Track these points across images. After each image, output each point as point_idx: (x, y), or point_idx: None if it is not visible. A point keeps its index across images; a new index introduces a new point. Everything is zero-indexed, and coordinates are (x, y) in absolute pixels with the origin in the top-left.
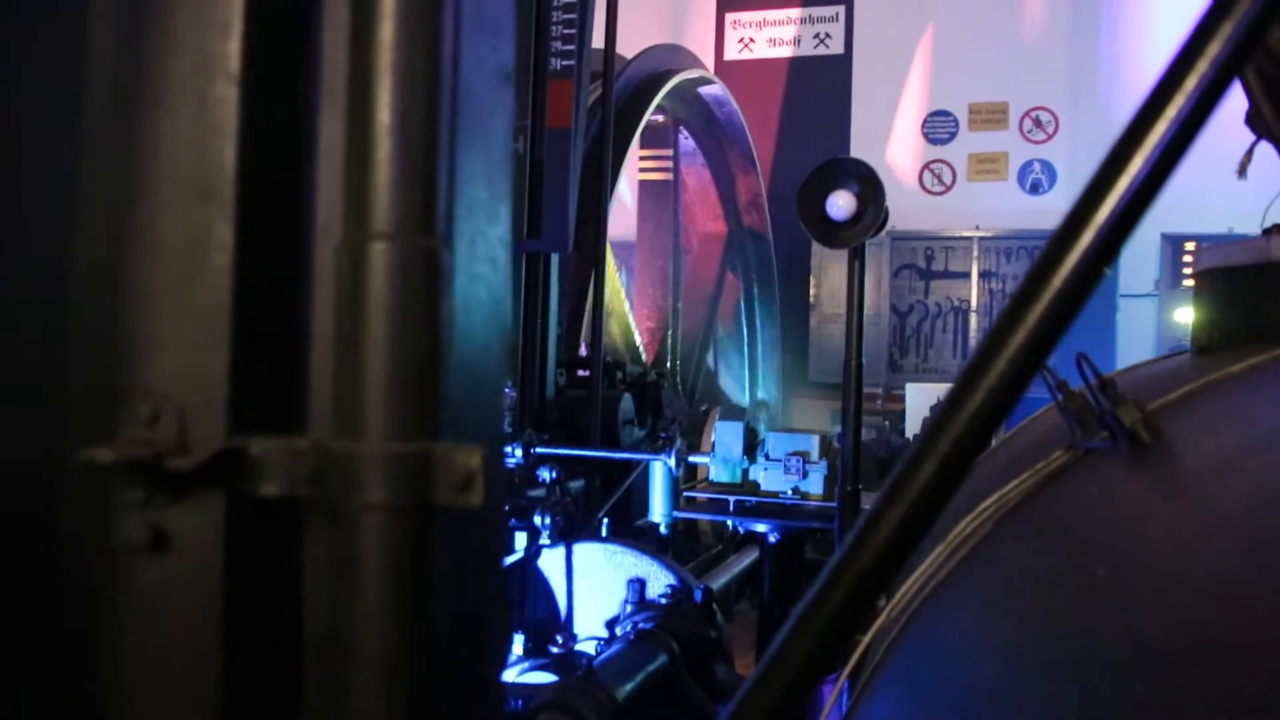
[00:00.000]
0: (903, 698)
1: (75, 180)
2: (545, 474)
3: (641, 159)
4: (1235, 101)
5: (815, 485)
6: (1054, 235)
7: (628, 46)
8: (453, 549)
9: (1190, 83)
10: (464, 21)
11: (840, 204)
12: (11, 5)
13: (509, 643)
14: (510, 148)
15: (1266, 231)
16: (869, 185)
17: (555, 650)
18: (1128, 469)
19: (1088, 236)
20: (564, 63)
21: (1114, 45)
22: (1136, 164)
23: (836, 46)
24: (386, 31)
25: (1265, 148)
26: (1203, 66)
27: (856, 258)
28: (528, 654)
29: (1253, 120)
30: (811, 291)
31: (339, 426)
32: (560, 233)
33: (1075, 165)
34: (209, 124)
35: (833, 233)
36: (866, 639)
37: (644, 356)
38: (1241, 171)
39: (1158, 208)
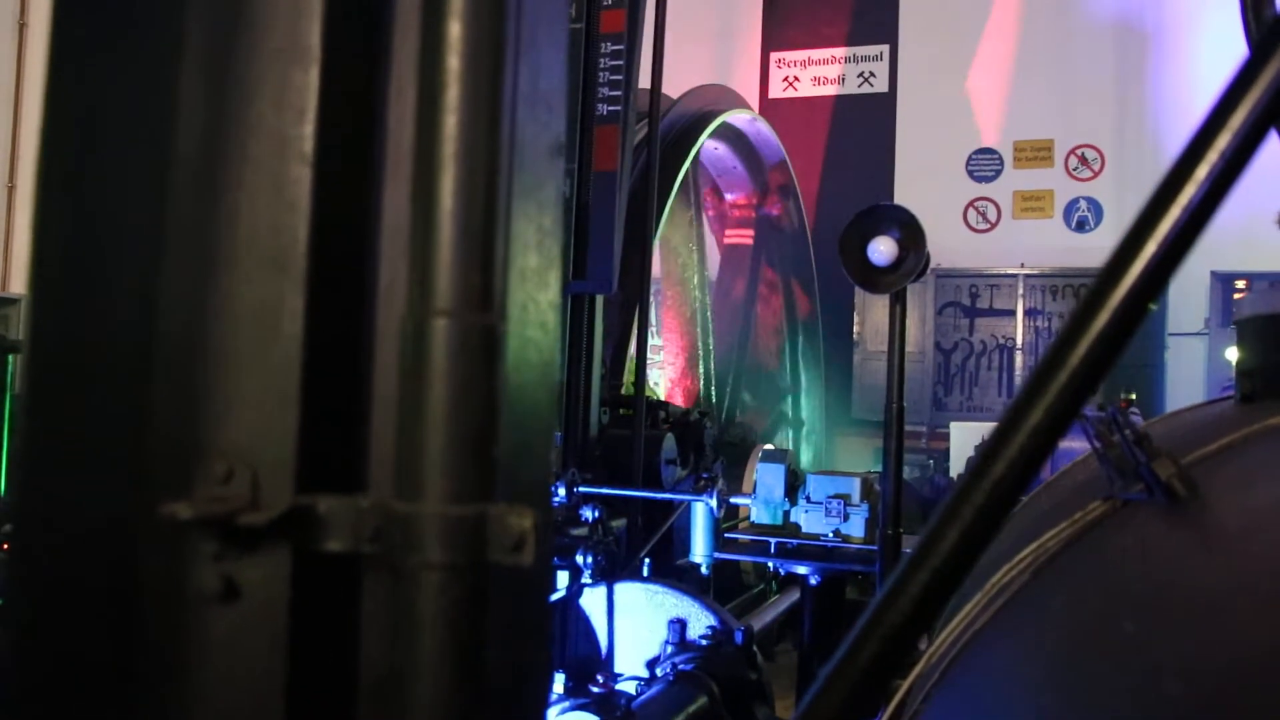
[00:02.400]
0: None
1: (160, 252)
2: (588, 513)
3: None
4: None
5: (856, 528)
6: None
7: (675, 85)
8: (504, 605)
9: (1235, 120)
10: (520, 99)
11: (882, 250)
12: (105, 88)
13: (551, 688)
14: (560, 215)
15: None
16: (910, 231)
17: (596, 690)
18: (1163, 522)
19: (1126, 283)
20: (610, 108)
21: (1160, 83)
22: (1175, 211)
23: (881, 85)
24: (451, 123)
25: None
26: (1243, 112)
27: (898, 302)
28: (568, 693)
29: None
30: (855, 328)
31: (401, 488)
32: (606, 274)
33: (1122, 203)
34: (284, 202)
35: (874, 278)
36: (906, 685)
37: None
38: None
39: (1207, 245)
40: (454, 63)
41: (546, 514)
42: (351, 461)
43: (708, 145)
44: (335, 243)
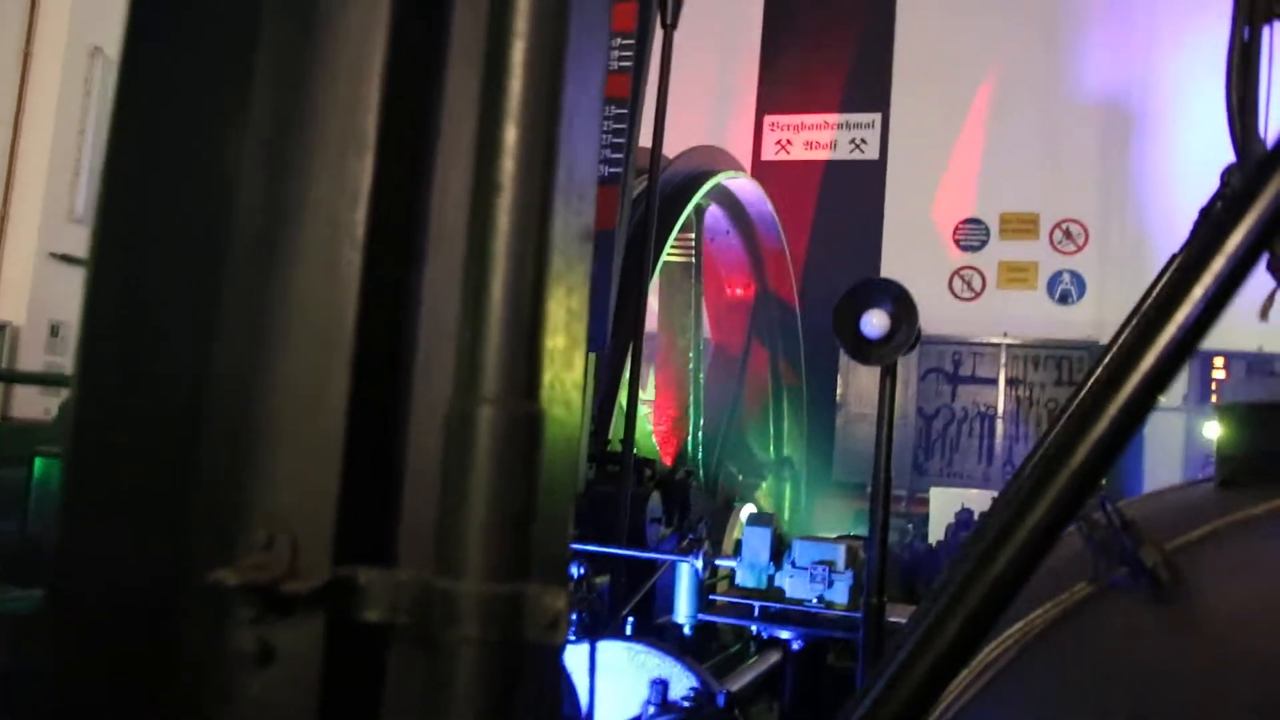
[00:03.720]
0: None
1: (214, 324)
2: (573, 570)
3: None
4: None
5: (840, 595)
6: (1097, 380)
7: (669, 144)
8: (534, 681)
9: (1231, 244)
10: (558, 190)
11: (874, 322)
12: (168, 158)
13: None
14: (587, 298)
15: None
16: (903, 305)
17: None
18: (1149, 608)
19: (1131, 384)
20: (611, 170)
21: (1144, 161)
22: (1181, 315)
23: (872, 152)
24: (504, 222)
25: None
26: (1236, 238)
27: (889, 374)
28: None
29: (1273, 267)
30: (839, 391)
31: (441, 564)
32: (600, 331)
33: (1104, 277)
34: (336, 283)
35: (866, 350)
36: None
37: (658, 454)
38: (1263, 316)
39: None
40: (509, 165)
41: (570, 604)
42: (387, 535)
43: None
44: (379, 323)
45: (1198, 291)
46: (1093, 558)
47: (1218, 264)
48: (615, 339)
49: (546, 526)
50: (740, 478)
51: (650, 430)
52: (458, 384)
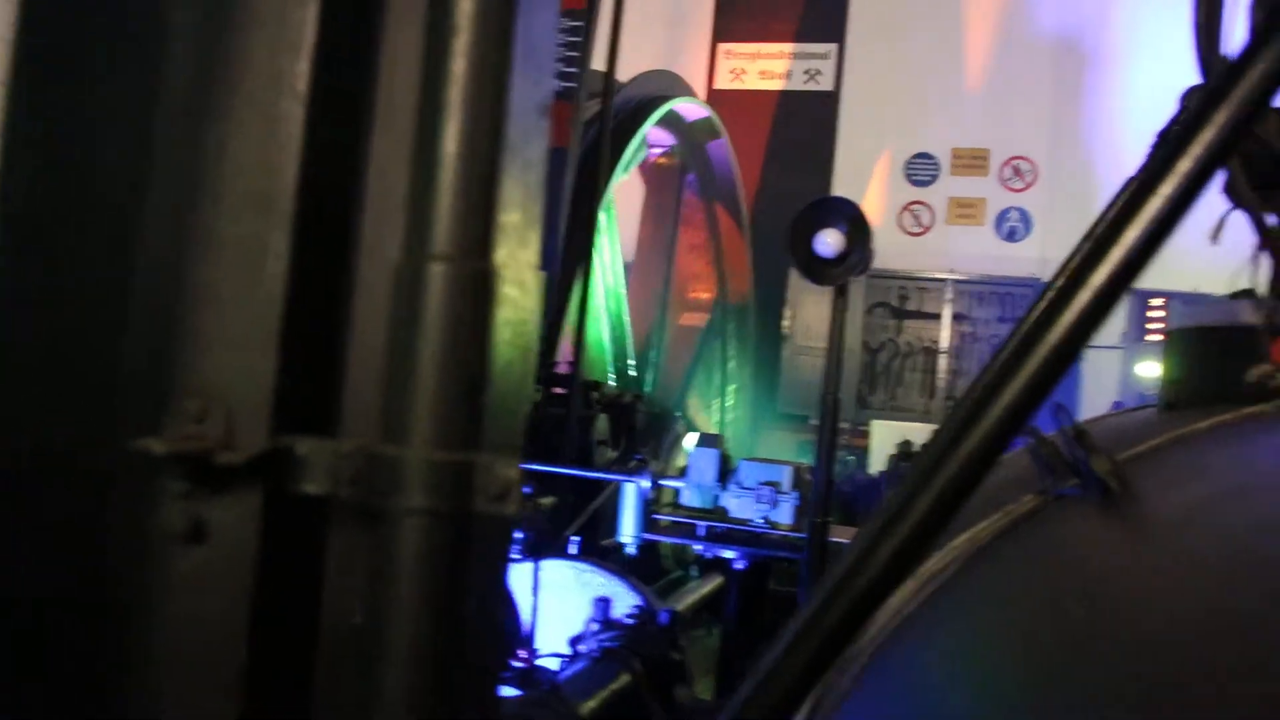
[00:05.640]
0: None
1: (142, 182)
2: None
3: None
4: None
5: (785, 515)
6: (1050, 295)
7: (622, 69)
8: (483, 554)
9: (1185, 163)
10: (516, 54)
11: (829, 242)
12: (91, 15)
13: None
14: (543, 176)
15: (1235, 295)
16: (858, 225)
17: (518, 665)
18: (1097, 516)
19: (1085, 296)
20: (564, 84)
21: (1095, 100)
22: (1132, 233)
23: (826, 83)
24: (459, 67)
25: (1236, 214)
26: (1198, 148)
27: (841, 295)
28: None
29: (1230, 189)
30: (786, 323)
31: (387, 432)
32: (549, 250)
33: (1051, 215)
34: (275, 139)
35: (820, 269)
36: (830, 676)
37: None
38: (1214, 237)
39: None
40: (466, 6)
41: (523, 475)
42: (330, 405)
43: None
44: (324, 184)
45: (1151, 208)
46: (1041, 472)
47: (1170, 184)
48: (566, 263)
49: (499, 397)
50: (688, 403)
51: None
52: (407, 241)
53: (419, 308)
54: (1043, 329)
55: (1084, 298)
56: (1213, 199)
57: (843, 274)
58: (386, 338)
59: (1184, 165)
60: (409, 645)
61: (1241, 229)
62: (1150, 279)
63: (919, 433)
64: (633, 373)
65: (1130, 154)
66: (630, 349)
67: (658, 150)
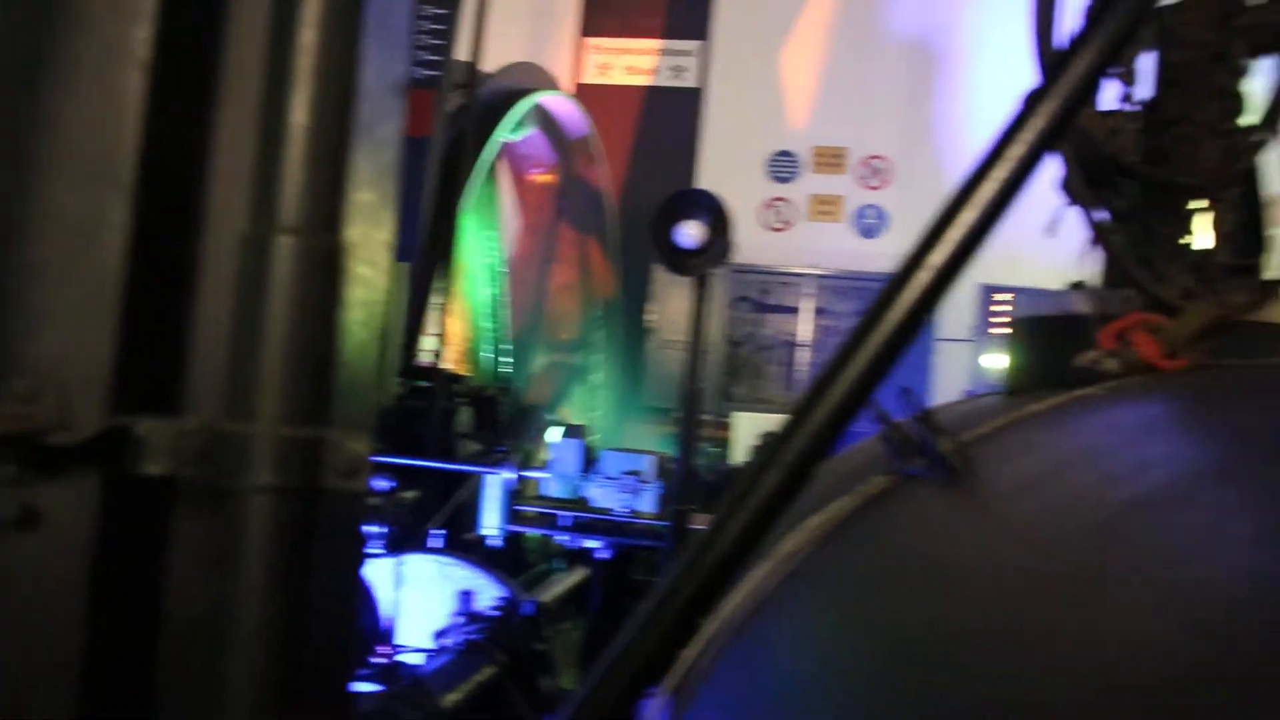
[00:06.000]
0: (726, 703)
1: None
2: (379, 484)
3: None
4: (1048, 170)
5: (648, 504)
6: (893, 276)
7: (488, 60)
8: (332, 531)
9: (1014, 152)
10: (369, 33)
11: (690, 233)
12: None
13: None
14: (398, 156)
15: (1070, 287)
16: (718, 217)
17: (380, 662)
18: (941, 492)
19: (923, 277)
20: (427, 72)
21: (945, 101)
22: (967, 217)
23: (691, 80)
24: (309, 37)
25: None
26: (1026, 137)
27: (703, 285)
28: None
29: (1065, 186)
30: (652, 317)
31: (232, 409)
32: (410, 241)
33: (906, 212)
34: (113, 107)
35: (681, 260)
36: (692, 653)
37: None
38: (1049, 231)
39: (979, 260)
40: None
41: (373, 450)
42: (174, 382)
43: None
44: (166, 156)
45: (985, 191)
46: (891, 455)
47: (1002, 169)
48: (428, 255)
49: (350, 375)
50: (553, 395)
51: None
52: (255, 214)
53: (266, 281)
54: (885, 307)
55: (923, 278)
56: (1052, 197)
57: (703, 265)
58: (233, 312)
59: (1016, 150)
60: (256, 626)
61: (1080, 226)
62: (997, 275)
63: (780, 424)
64: (505, 369)
65: (977, 152)
66: (503, 344)
67: (537, 170)
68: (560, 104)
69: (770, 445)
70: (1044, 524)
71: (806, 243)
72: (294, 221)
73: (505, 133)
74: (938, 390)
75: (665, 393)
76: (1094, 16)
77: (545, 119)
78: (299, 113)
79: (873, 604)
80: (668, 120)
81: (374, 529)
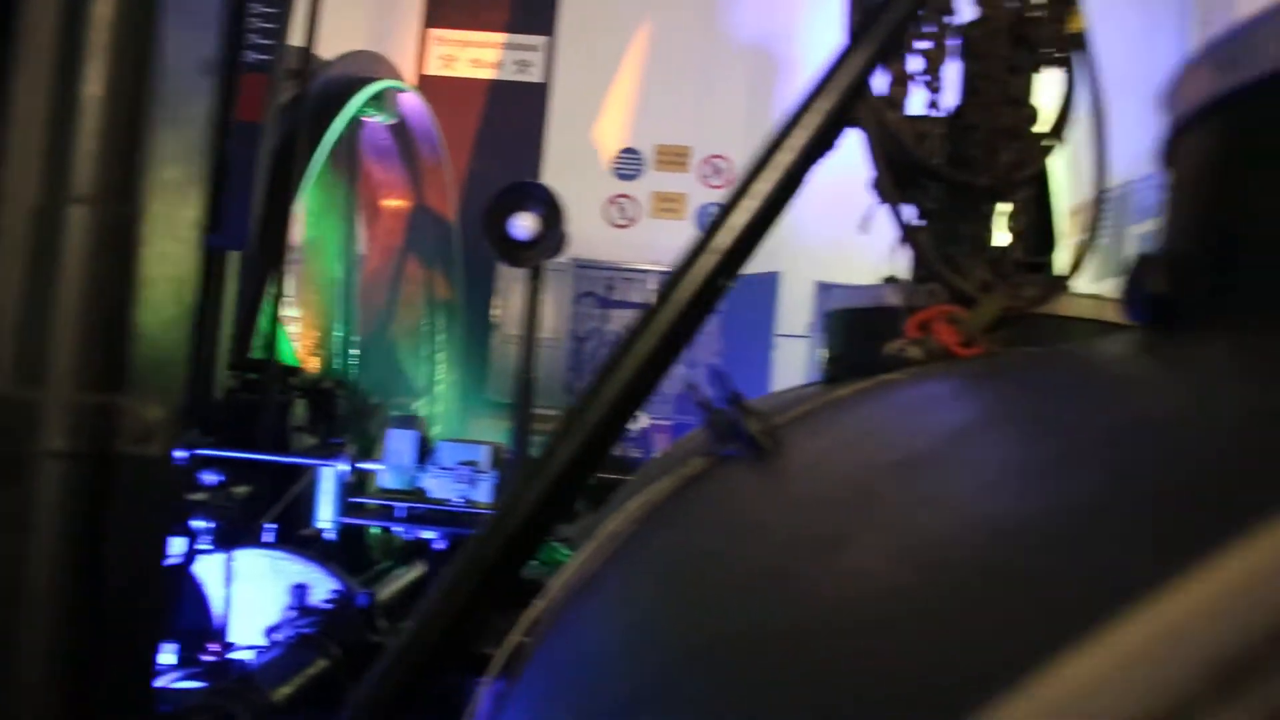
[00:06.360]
0: (544, 680)
1: None
2: (210, 478)
3: None
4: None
5: (484, 494)
6: (682, 258)
7: (327, 48)
8: (129, 498)
9: (794, 142)
10: (168, 9)
11: (523, 225)
12: None
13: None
14: (207, 137)
15: (885, 281)
16: (552, 209)
17: (209, 659)
18: (749, 469)
19: (709, 260)
20: (259, 56)
21: (783, 103)
22: (748, 204)
23: (537, 75)
24: (103, 11)
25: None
26: (801, 135)
27: (536, 277)
28: (180, 664)
29: (876, 187)
30: (496, 312)
31: (21, 375)
32: (240, 229)
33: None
34: None
35: (515, 252)
36: (515, 639)
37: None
38: (862, 228)
39: (816, 259)
40: None
41: (176, 420)
42: None
43: (369, 122)
44: None
45: (763, 183)
46: (711, 439)
47: (784, 156)
48: (262, 245)
49: (151, 344)
50: (394, 390)
51: (300, 343)
52: (48, 183)
53: (58, 250)
54: (680, 278)
55: (709, 260)
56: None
57: (536, 257)
58: (24, 280)
59: (796, 141)
60: (49, 590)
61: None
62: (836, 274)
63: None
64: (351, 362)
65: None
66: (351, 338)
67: (390, 196)
68: (409, 107)
69: (563, 425)
70: (822, 489)
71: (650, 239)
72: (85, 191)
73: (344, 123)
74: (780, 384)
75: (510, 387)
76: (858, 30)
77: (398, 125)
78: (93, 85)
79: (676, 570)
80: (512, 115)
81: (203, 525)
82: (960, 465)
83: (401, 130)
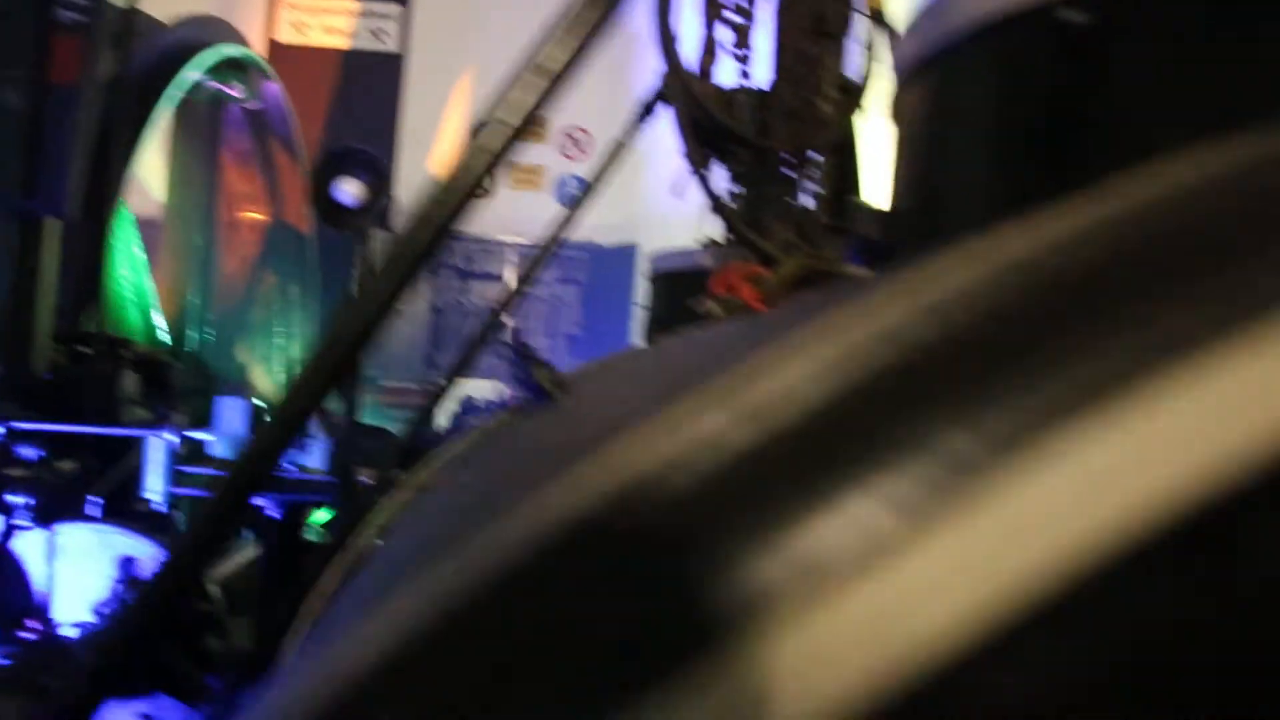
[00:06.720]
0: (340, 617)
1: None
2: (30, 453)
3: None
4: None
5: (316, 460)
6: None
7: (164, 9)
8: None
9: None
10: None
11: (349, 190)
12: None
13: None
14: None
15: (704, 245)
16: (378, 175)
17: (29, 636)
18: (539, 414)
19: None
20: (74, 16)
21: (640, 79)
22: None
23: (392, 44)
24: None
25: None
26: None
27: (361, 243)
28: None
29: (687, 156)
30: (354, 287)
31: None
32: (58, 195)
33: (604, 183)
34: None
35: (339, 217)
36: (329, 586)
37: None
38: (675, 193)
39: (673, 231)
40: None
41: None
42: None
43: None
44: None
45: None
46: (515, 393)
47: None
48: (89, 213)
49: None
50: (243, 364)
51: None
52: None
53: None
54: (405, 243)
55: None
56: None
57: (361, 222)
58: None
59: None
60: None
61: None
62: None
63: (483, 389)
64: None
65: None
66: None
67: (249, 208)
68: (279, 118)
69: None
70: (583, 420)
71: (509, 211)
72: None
73: (185, 90)
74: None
75: (369, 361)
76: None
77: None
78: None
79: (469, 514)
80: (368, 85)
81: (21, 500)
82: (652, 382)
83: (260, 128)
